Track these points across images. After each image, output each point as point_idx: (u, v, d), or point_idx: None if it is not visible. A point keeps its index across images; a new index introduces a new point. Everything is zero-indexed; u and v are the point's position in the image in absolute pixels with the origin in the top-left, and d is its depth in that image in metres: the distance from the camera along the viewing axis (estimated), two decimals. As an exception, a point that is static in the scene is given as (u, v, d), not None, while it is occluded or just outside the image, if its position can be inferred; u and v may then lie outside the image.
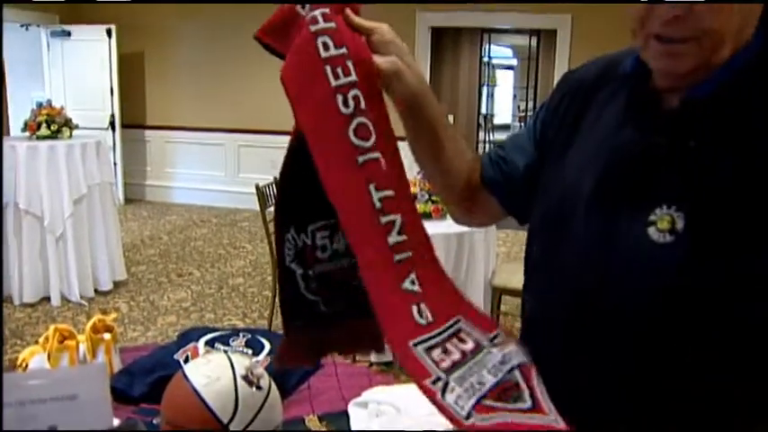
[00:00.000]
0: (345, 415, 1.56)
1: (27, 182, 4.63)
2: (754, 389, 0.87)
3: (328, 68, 0.91)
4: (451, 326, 0.93)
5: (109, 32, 7.93)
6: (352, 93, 0.90)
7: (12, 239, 4.70)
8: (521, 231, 7.42)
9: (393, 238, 0.91)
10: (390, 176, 0.93)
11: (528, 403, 0.85)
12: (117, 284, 5.21)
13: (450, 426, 1.57)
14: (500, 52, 13.19)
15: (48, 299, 4.82)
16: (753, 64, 0.87)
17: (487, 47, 10.29)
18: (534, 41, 9.76)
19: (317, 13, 0.94)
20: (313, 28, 0.93)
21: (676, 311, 0.88)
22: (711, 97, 0.88)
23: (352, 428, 1.50)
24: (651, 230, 0.88)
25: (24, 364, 1.62)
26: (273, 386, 1.35)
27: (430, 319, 0.92)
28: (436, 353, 0.89)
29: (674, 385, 0.90)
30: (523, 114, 10.77)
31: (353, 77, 0.91)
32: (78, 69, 8.15)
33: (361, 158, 0.90)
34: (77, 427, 1.16)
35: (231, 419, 1.25)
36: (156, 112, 8.64)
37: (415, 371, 0.86)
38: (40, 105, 5.08)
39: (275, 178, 4.64)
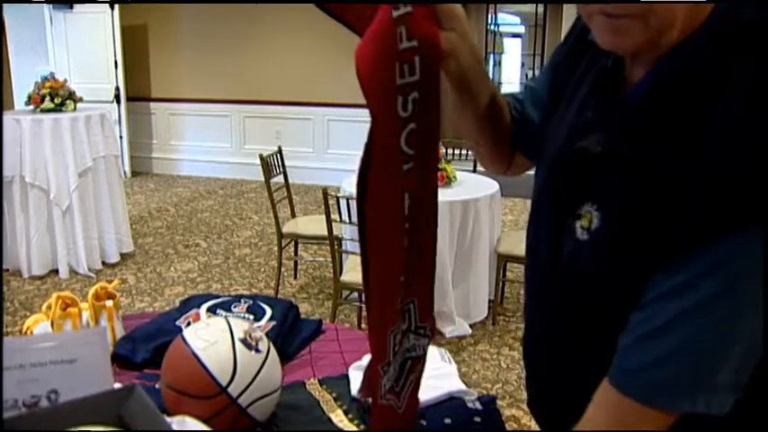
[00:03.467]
0: (346, 378, 1.57)
1: (32, 155, 4.64)
2: None
3: (398, 64, 0.85)
4: (405, 308, 1.04)
5: (112, 5, 7.88)
6: (412, 95, 0.86)
7: (18, 213, 4.72)
8: (527, 200, 7.38)
9: (407, 241, 0.94)
10: (421, 185, 0.93)
11: (396, 388, 1.07)
12: (124, 256, 5.24)
13: (450, 388, 1.58)
14: (508, 20, 13.04)
15: (56, 271, 4.85)
16: (698, 54, 0.79)
17: (494, 15, 10.16)
18: (541, 8, 9.63)
19: None
20: (395, 13, 0.83)
21: (594, 305, 0.89)
22: (652, 90, 0.83)
23: (352, 392, 1.51)
24: (577, 225, 0.89)
25: (29, 332, 1.64)
26: (272, 349, 1.36)
27: (402, 305, 1.02)
28: (396, 338, 1.02)
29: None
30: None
31: (417, 77, 0.86)
32: (82, 42, 8.11)
33: (405, 167, 0.89)
34: (77, 390, 1.17)
35: (230, 382, 1.25)
36: (160, 84, 8.62)
37: (378, 354, 1.00)
38: (44, 79, 5.07)
39: (279, 147, 4.63)
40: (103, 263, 5.08)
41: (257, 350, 1.31)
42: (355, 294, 3.86)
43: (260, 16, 7.97)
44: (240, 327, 1.35)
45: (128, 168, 8.38)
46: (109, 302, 1.72)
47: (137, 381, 1.58)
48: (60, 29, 8.19)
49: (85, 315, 1.71)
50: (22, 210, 4.72)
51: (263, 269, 5.05)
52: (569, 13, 7.09)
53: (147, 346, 1.70)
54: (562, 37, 1.16)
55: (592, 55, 0.97)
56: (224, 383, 1.26)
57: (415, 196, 0.92)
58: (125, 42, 8.03)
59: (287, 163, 4.66)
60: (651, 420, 0.80)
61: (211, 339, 1.31)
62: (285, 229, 4.38)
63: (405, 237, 0.93)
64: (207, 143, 8.54)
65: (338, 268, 3.57)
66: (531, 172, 1.22)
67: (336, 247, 3.94)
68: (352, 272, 3.57)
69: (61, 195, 4.72)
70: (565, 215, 0.92)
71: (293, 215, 4.70)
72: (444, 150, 4.98)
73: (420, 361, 1.09)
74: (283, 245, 4.42)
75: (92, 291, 1.71)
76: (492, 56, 10.64)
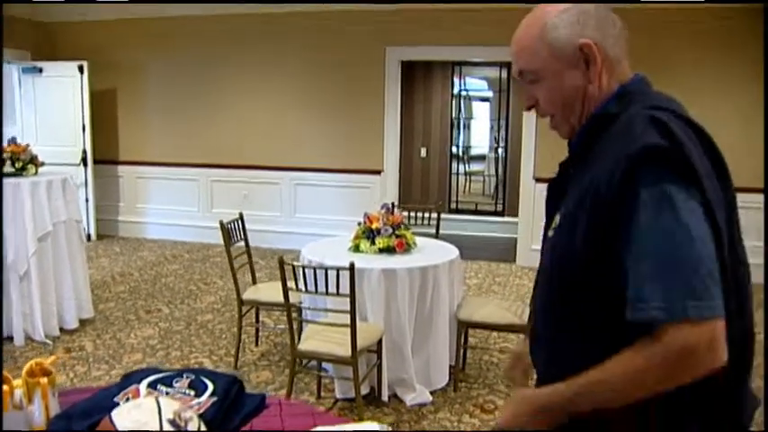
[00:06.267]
0: (283, 456, 1.54)
1: (-9, 220, 4.58)
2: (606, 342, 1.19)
3: None
4: None
5: (81, 69, 7.93)
6: None
7: (-26, 278, 4.63)
8: (493, 263, 7.43)
9: None
10: None
11: None
12: (83, 322, 5.14)
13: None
14: (475, 84, 13.32)
15: (11, 338, 4.74)
16: (593, 127, 1.31)
17: (460, 79, 10.36)
18: (505, 73, 9.86)
19: None
20: None
21: (559, 279, 1.28)
22: (577, 142, 1.37)
23: (289, 470, 1.49)
24: (552, 226, 1.35)
25: (-40, 411, 1.59)
26: (203, 430, 1.34)
27: None
28: None
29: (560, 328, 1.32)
30: (496, 146, 10.82)
31: None
32: (50, 105, 8.13)
33: None
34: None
35: (155, 465, 1.23)
36: (128, 147, 8.62)
37: None
38: (14, 141, 5.05)
39: (240, 214, 4.63)
40: (61, 329, 4.98)
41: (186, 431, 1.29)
42: (314, 363, 3.82)
43: (227, 82, 8.07)
44: (170, 407, 1.33)
45: (93, 231, 8.31)
46: (44, 379, 1.68)
47: (68, 461, 1.54)
48: (29, 92, 8.22)
49: (18, 393, 1.68)
50: (-22, 275, 4.64)
51: (224, 336, 4.99)
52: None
53: (83, 423, 1.65)
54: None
55: None
56: (149, 467, 1.23)
57: None
58: (94, 106, 8.06)
59: (254, 227, 4.66)
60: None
61: (140, 420, 1.29)
62: (246, 296, 4.35)
63: None
64: (174, 206, 8.51)
65: (295, 336, 3.54)
66: (496, 233, 1.38)
67: (296, 315, 3.92)
68: (311, 340, 3.54)
69: (19, 260, 4.65)
70: (549, 227, 1.38)
71: (254, 281, 4.67)
72: (407, 215, 5.02)
73: None
74: (244, 311, 4.38)
75: (26, 367, 1.68)
76: (461, 120, 10.79)
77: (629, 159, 1.12)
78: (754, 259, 1.42)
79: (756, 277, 1.37)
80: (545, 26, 1.29)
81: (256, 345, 4.78)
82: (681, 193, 1.09)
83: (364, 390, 3.79)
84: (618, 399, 1.15)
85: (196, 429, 1.31)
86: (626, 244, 1.12)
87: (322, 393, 3.95)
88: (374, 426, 1.61)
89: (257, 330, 4.82)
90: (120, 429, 1.26)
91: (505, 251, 7.89)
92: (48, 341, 4.77)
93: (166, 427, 1.27)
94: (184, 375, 1.84)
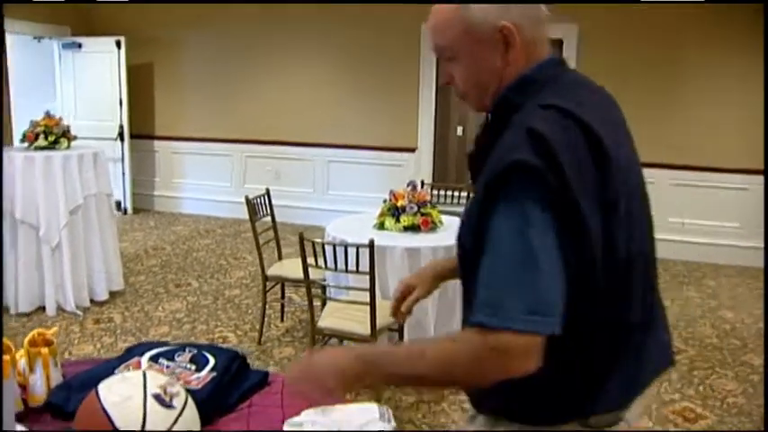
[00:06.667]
0: (278, 434, 1.52)
1: (23, 192, 4.65)
2: None
3: None
4: None
5: (118, 44, 7.99)
6: None
7: (8, 249, 4.71)
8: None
9: None
10: None
11: None
12: (114, 294, 5.21)
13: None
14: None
15: (43, 308, 4.83)
16: (498, 112, 1.31)
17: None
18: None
19: None
20: None
21: (461, 262, 1.32)
22: (489, 129, 1.33)
23: (283, 449, 1.46)
24: None
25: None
26: (190, 405, 1.32)
27: None
28: None
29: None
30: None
31: None
32: (88, 80, 8.22)
33: None
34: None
35: (137, 439, 1.21)
36: (164, 122, 8.69)
37: None
38: (48, 114, 5.10)
39: (267, 189, 4.63)
40: (92, 300, 5.05)
41: (171, 406, 1.27)
42: (334, 340, 3.80)
43: (263, 59, 8.05)
44: (156, 381, 1.31)
45: (130, 205, 8.42)
46: (45, 349, 1.68)
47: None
48: (68, 67, 8.32)
49: (23, 362, 1.68)
50: (11, 246, 4.72)
51: (250, 311, 5.01)
52: (569, 56, 7.10)
53: (82, 394, 1.64)
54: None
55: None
56: (130, 440, 1.21)
57: None
58: (131, 81, 8.13)
59: (287, 203, 4.64)
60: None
61: (124, 394, 1.27)
62: (270, 272, 4.34)
63: None
64: (208, 182, 8.56)
65: (315, 313, 3.52)
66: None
67: (320, 292, 3.91)
68: (331, 317, 3.52)
69: (51, 232, 4.72)
70: None
71: (280, 257, 4.67)
72: (436, 193, 4.96)
73: None
74: (269, 287, 4.37)
75: (28, 337, 1.69)
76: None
77: (503, 166, 1.14)
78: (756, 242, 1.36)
79: (757, 262, 1.30)
80: (465, 4, 1.27)
81: (282, 320, 4.79)
82: (537, 211, 1.11)
83: (385, 369, 3.76)
84: (427, 377, 1.20)
85: (182, 404, 1.29)
86: (483, 246, 1.16)
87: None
88: (374, 406, 1.57)
89: (282, 306, 4.83)
90: (104, 402, 1.25)
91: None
92: (78, 312, 4.84)
93: (150, 401, 1.25)
94: (187, 349, 1.83)
